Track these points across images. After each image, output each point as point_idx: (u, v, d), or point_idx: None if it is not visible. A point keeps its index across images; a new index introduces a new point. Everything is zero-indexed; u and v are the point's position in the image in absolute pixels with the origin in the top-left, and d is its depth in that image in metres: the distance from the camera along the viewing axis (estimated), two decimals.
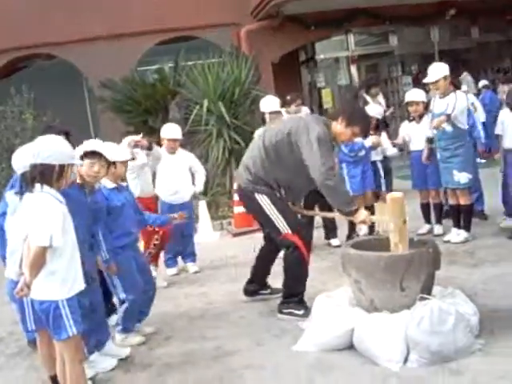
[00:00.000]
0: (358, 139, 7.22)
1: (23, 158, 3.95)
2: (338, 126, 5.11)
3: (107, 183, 4.99)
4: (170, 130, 7.18)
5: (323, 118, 5.32)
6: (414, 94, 7.53)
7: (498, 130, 7.17)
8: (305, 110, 8.22)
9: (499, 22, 14.83)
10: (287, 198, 5.24)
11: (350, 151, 7.42)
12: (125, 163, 5.25)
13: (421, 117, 7.41)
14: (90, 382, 4.19)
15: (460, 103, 6.77)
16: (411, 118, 7.58)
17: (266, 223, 5.28)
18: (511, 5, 13.77)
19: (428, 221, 7.64)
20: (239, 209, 8.78)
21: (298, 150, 4.97)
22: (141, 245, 6.77)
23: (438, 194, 7.46)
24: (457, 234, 7.06)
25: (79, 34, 12.61)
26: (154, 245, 6.58)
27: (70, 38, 12.61)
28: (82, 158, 4.40)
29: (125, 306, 4.91)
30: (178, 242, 7.11)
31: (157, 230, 6.43)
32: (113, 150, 4.84)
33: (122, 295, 4.90)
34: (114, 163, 4.89)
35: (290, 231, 5.09)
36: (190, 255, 7.31)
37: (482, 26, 14.98)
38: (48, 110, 10.47)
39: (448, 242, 6.95)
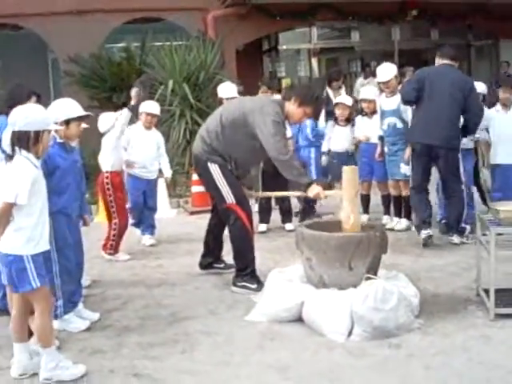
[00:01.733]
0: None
1: None
2: (291, 106, 5.40)
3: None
4: (151, 105, 7.40)
5: (278, 99, 5.55)
6: (368, 92, 7.95)
7: None
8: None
9: (459, 26, 15.32)
10: (237, 170, 5.52)
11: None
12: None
13: (372, 113, 7.77)
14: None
15: None
16: (364, 113, 7.94)
17: (213, 191, 5.56)
18: (471, 10, 14.26)
19: (366, 211, 8.01)
20: (197, 188, 8.99)
21: (252, 128, 5.27)
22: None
23: (386, 187, 7.76)
24: (399, 223, 7.51)
25: (47, 7, 12.63)
26: (114, 235, 6.72)
27: (37, 10, 12.61)
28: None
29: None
30: (140, 212, 7.34)
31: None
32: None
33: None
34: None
35: (234, 201, 5.37)
36: (150, 227, 7.46)
37: (442, 28, 15.43)
38: (16, 78, 10.43)
39: (392, 229, 7.31)
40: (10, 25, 13.13)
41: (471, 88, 6.59)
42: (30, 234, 3.79)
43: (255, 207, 7.83)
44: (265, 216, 7.88)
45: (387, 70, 7.32)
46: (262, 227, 7.81)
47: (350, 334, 4.36)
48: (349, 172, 4.92)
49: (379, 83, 7.53)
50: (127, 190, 7.16)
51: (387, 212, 7.89)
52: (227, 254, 6.00)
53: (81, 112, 4.77)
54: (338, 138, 8.08)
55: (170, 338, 4.49)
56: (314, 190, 5.22)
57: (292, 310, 4.64)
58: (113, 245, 6.75)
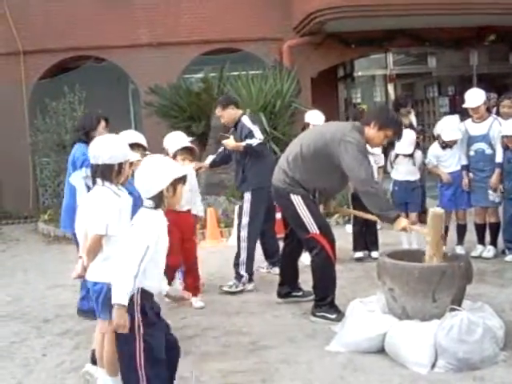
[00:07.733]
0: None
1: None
2: (371, 131, 5.32)
3: None
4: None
5: (357, 124, 5.47)
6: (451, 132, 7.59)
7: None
8: None
9: None
10: (320, 199, 5.54)
11: None
12: None
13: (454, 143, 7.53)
14: None
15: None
16: (444, 145, 7.61)
17: (296, 222, 5.48)
18: None
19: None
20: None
21: (334, 158, 5.19)
22: None
23: (465, 216, 7.63)
24: (487, 251, 7.39)
25: (129, 40, 13.18)
26: None
27: (119, 43, 13.15)
28: None
29: None
30: None
31: None
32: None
33: None
34: None
35: (318, 231, 5.34)
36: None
37: None
38: (99, 110, 10.77)
39: (478, 257, 7.22)
40: (93, 57, 13.66)
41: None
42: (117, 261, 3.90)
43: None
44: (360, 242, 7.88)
45: (476, 96, 7.24)
46: (358, 254, 7.83)
47: (433, 366, 4.28)
48: (435, 215, 4.73)
49: (467, 109, 7.38)
50: None
51: (460, 242, 7.68)
52: (304, 282, 6.00)
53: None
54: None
55: (251, 367, 4.52)
56: (400, 224, 5.03)
57: (374, 340, 4.58)
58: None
